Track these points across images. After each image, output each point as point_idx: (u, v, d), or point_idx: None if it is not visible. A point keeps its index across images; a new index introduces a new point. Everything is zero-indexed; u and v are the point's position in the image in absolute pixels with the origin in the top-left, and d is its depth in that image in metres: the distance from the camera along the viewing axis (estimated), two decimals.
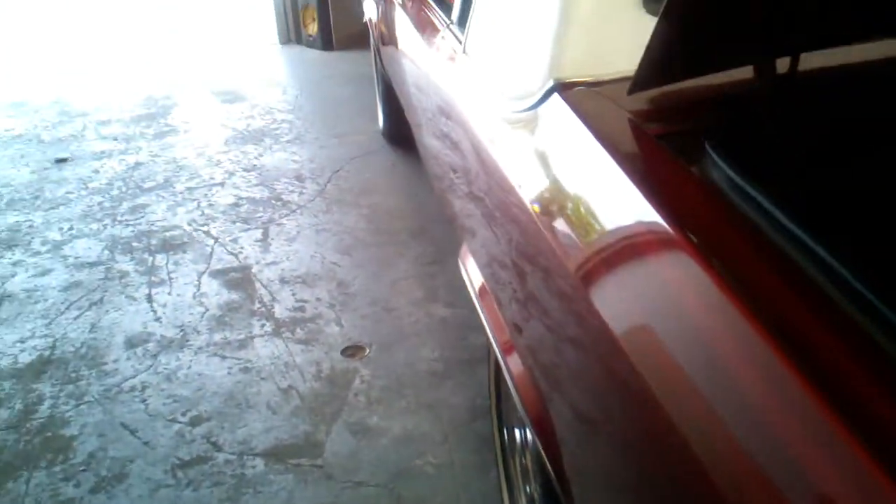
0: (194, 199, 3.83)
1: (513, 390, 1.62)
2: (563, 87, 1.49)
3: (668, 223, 1.08)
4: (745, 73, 1.34)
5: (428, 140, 2.63)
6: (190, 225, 3.57)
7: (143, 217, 3.68)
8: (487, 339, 1.78)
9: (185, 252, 3.34)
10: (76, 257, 3.35)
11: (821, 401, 0.77)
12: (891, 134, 1.37)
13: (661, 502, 1.08)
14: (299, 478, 2.17)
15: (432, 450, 2.23)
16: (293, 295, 2.99)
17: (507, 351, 1.68)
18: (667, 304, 1.06)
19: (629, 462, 1.16)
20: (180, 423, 2.38)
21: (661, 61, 1.26)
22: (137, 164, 4.30)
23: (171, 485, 2.17)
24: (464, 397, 2.42)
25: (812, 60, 1.41)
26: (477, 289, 1.90)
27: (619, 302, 1.16)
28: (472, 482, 2.12)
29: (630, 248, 1.21)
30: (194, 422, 2.38)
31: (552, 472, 1.47)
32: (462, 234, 2.10)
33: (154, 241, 3.44)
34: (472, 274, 1.95)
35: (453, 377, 2.51)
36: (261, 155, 4.33)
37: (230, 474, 2.19)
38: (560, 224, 1.38)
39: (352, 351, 2.66)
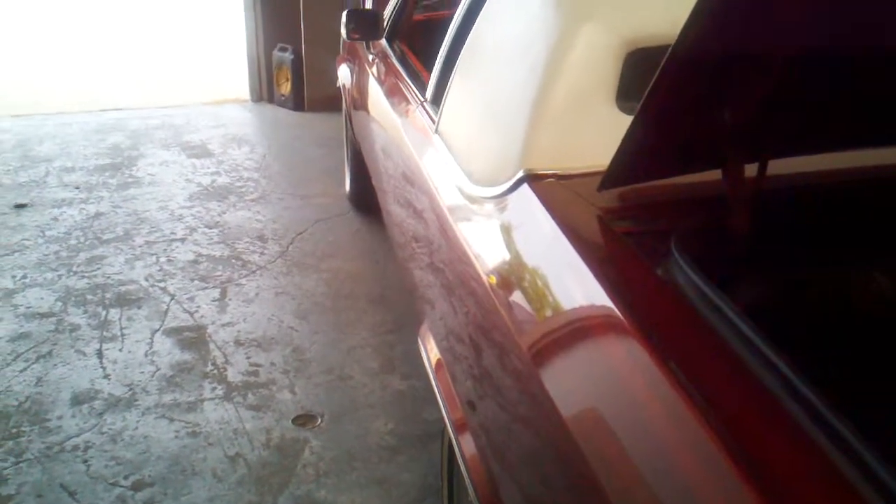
0: (153, 254, 3.78)
1: (465, 474, 1.60)
2: (533, 178, 1.51)
3: (627, 319, 1.08)
4: (715, 175, 1.36)
5: (393, 208, 2.63)
6: (147, 280, 3.52)
7: (99, 269, 3.62)
8: (441, 415, 1.76)
9: (139, 308, 3.28)
10: (27, 307, 3.28)
11: (759, 494, 0.79)
12: (854, 245, 1.39)
13: None
14: None
15: None
16: (247, 358, 2.94)
17: (460, 430, 1.66)
18: (617, 395, 1.06)
19: None
20: (122, 487, 2.31)
21: (633, 160, 1.28)
22: (98, 215, 4.25)
23: None
24: (415, 474, 2.37)
25: (780, 167, 1.44)
26: (433, 364, 1.89)
27: (571, 391, 1.16)
28: None
29: (587, 340, 1.21)
30: (136, 486, 2.31)
31: None
32: (422, 306, 2.10)
33: (109, 295, 3.38)
34: (430, 350, 1.94)
35: (405, 452, 2.47)
36: (224, 212, 4.31)
37: None
38: (520, 311, 1.38)
39: (303, 420, 2.61)
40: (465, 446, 1.62)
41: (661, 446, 0.95)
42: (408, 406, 2.69)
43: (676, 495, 0.89)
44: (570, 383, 1.18)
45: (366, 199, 4.08)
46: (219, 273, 3.60)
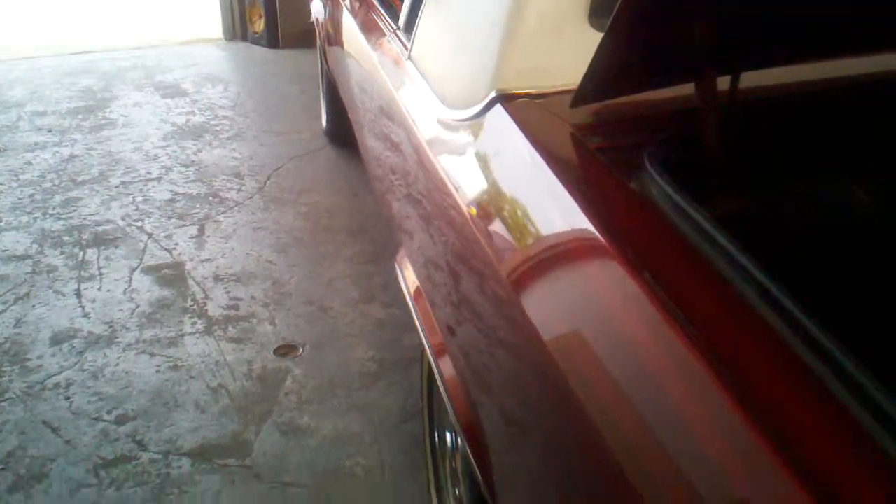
0: (129, 194, 3.75)
1: (444, 394, 1.61)
2: (506, 98, 1.49)
3: (602, 235, 1.08)
4: (688, 90, 1.35)
5: (370, 141, 2.61)
6: (124, 220, 3.50)
7: (75, 211, 3.59)
8: (420, 340, 1.77)
9: (117, 247, 3.27)
10: (3, 250, 3.25)
11: (740, 408, 0.78)
12: (824, 156, 1.39)
13: (573, 488, 1.08)
14: (226, 478, 2.13)
15: (362, 451, 2.21)
16: (227, 293, 2.94)
17: (439, 353, 1.67)
18: (596, 313, 1.06)
19: (555, 469, 1.16)
20: (105, 421, 2.32)
21: (604, 76, 1.26)
22: (72, 157, 4.20)
23: (92, 484, 2.11)
24: (396, 398, 2.40)
25: (753, 80, 1.43)
26: (412, 291, 1.89)
27: (549, 310, 1.16)
28: (402, 484, 2.11)
29: (564, 257, 1.21)
30: (119, 420, 2.32)
31: (480, 477, 1.47)
32: (400, 237, 2.09)
33: (86, 236, 3.36)
34: (408, 277, 1.94)
35: (386, 378, 2.49)
36: (200, 151, 4.26)
37: (155, 474, 2.14)
38: (497, 231, 1.37)
39: (284, 350, 2.62)
40: (445, 370, 1.63)
41: (642, 362, 0.95)
42: (388, 334, 2.71)
43: (659, 412, 0.89)
44: (547, 301, 1.18)
45: (343, 134, 4.04)
46: (196, 210, 3.58)
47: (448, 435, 1.89)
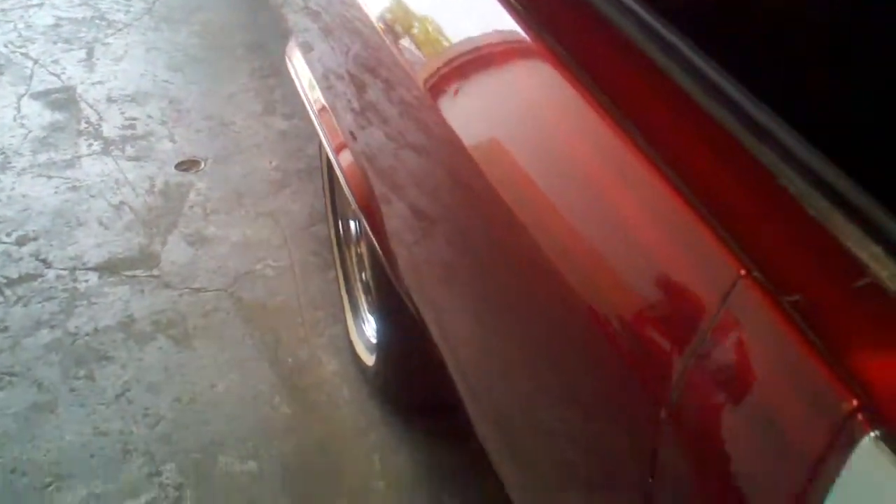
0: (9, 21, 3.53)
1: (344, 184, 1.62)
2: None
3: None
4: None
5: None
6: (6, 47, 3.31)
7: None
8: (318, 136, 1.75)
9: (1, 74, 3.11)
10: None
11: (673, 191, 0.72)
12: None
13: (478, 271, 1.11)
14: (135, 288, 2.13)
15: (272, 254, 2.23)
16: (122, 114, 2.85)
17: (338, 149, 1.66)
18: (512, 99, 1.04)
19: (465, 253, 1.17)
20: (5, 243, 2.28)
21: None
22: None
23: None
24: (303, 204, 2.40)
25: None
26: (305, 87, 1.85)
27: (460, 98, 1.14)
28: (312, 281, 2.14)
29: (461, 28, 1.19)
30: (21, 241, 2.28)
31: (384, 258, 1.49)
32: (291, 27, 2.02)
33: None
34: (301, 71, 1.89)
35: (292, 185, 2.48)
36: None
37: (62, 289, 2.13)
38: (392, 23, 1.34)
39: (186, 165, 2.58)
40: (343, 162, 1.63)
41: (552, 132, 0.93)
42: (291, 143, 2.67)
43: (578, 193, 0.86)
44: (454, 89, 1.16)
45: None
46: (83, 34, 3.40)
47: (352, 224, 1.91)
